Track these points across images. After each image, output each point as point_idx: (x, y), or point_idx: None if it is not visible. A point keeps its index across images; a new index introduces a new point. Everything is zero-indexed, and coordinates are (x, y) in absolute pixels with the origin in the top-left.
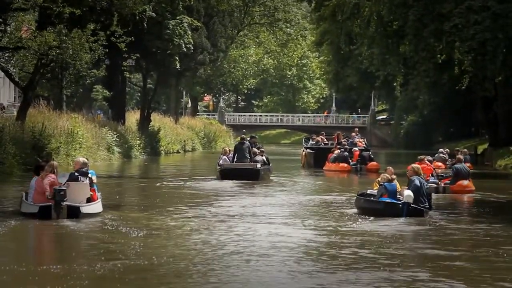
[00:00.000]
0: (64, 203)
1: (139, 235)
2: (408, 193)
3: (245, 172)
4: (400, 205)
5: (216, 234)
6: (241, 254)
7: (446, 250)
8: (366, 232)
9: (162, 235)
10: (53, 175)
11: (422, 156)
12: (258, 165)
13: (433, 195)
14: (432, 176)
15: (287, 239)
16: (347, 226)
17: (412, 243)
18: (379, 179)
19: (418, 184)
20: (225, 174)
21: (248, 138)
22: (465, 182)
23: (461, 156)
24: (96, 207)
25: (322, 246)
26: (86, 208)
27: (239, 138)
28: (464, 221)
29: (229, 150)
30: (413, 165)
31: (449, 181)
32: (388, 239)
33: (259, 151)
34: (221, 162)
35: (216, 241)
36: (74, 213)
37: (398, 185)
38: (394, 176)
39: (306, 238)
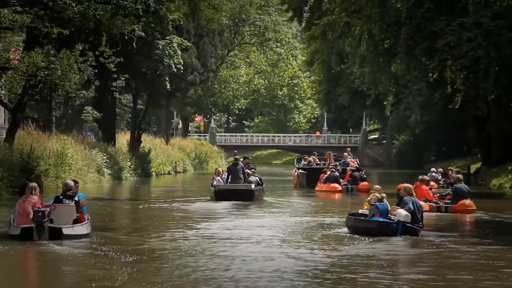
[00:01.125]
0: (47, 224)
1: (128, 260)
2: (405, 213)
3: (239, 193)
4: (395, 224)
5: (208, 259)
6: (234, 280)
7: (447, 273)
8: (366, 255)
9: (153, 260)
10: (34, 197)
11: (425, 178)
12: (252, 186)
13: (435, 215)
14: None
15: (281, 262)
16: (341, 248)
17: (412, 266)
18: (369, 198)
19: (412, 207)
20: (220, 194)
21: (242, 159)
22: (467, 202)
23: (460, 176)
24: (81, 229)
25: (319, 269)
26: (69, 230)
27: (232, 159)
28: (465, 242)
29: (223, 171)
30: (405, 185)
31: (449, 200)
32: (387, 261)
33: (251, 172)
34: (215, 183)
35: (208, 266)
36: (56, 234)
37: (388, 205)
38: (384, 195)
39: (302, 262)
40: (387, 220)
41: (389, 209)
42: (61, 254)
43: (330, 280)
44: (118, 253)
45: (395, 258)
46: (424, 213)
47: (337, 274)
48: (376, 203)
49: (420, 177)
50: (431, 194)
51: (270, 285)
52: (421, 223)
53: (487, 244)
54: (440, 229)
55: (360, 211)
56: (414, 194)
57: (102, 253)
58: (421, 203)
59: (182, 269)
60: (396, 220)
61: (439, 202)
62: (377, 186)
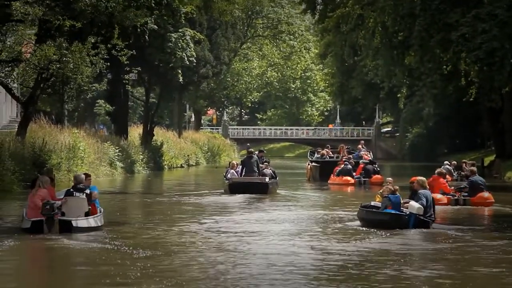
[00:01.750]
0: (57, 217)
1: (141, 255)
2: (417, 205)
3: (254, 186)
4: (406, 217)
5: (222, 253)
6: (247, 275)
7: (465, 269)
8: (380, 249)
9: (167, 255)
10: (44, 190)
11: (443, 171)
12: (267, 179)
13: (453, 208)
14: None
15: (296, 258)
16: (353, 242)
17: (428, 260)
18: (381, 191)
19: (425, 201)
20: (234, 187)
21: (256, 152)
22: (486, 194)
23: (474, 168)
24: (92, 221)
25: (332, 264)
26: (80, 222)
27: (245, 152)
28: (484, 236)
29: (236, 164)
30: (418, 178)
31: (466, 193)
32: (402, 256)
33: (264, 165)
34: (229, 176)
35: (222, 261)
36: (67, 227)
37: (401, 197)
38: (397, 187)
39: (315, 256)
40: (399, 213)
41: (402, 201)
42: (72, 249)
43: (342, 275)
44: (131, 248)
45: (411, 252)
46: (442, 206)
47: (349, 269)
48: (389, 195)
49: (438, 170)
50: (449, 187)
51: (284, 279)
52: (433, 216)
53: (507, 238)
54: (458, 222)
55: (372, 203)
56: (428, 187)
57: (115, 248)
58: (439, 196)
59: (195, 264)
60: (408, 213)
61: (456, 194)
62: (390, 178)
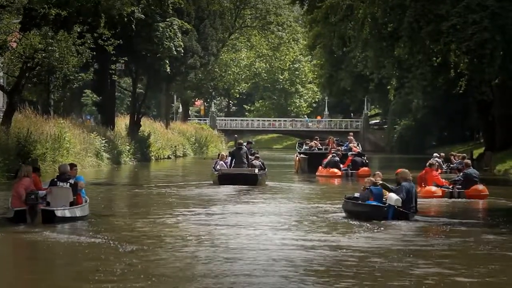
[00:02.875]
0: (40, 207)
1: (126, 249)
2: (396, 197)
3: (243, 177)
4: (386, 208)
5: (210, 248)
6: (236, 270)
7: (456, 265)
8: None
9: (153, 249)
10: (27, 179)
11: (435, 163)
12: (256, 170)
13: (448, 201)
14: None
15: (280, 251)
16: (336, 236)
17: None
18: (364, 183)
19: (405, 193)
20: (223, 178)
21: (245, 144)
22: (480, 187)
23: (468, 161)
24: (76, 211)
25: (317, 258)
26: (63, 212)
27: (232, 143)
28: (478, 230)
29: (226, 156)
30: (401, 169)
31: (460, 186)
32: (395, 251)
33: (253, 157)
34: (218, 167)
35: (210, 256)
36: (49, 217)
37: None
38: (378, 179)
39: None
40: (379, 204)
41: (386, 194)
42: (55, 242)
43: (330, 273)
44: (116, 242)
45: (395, 246)
46: (437, 199)
47: (335, 263)
48: (371, 187)
49: (429, 162)
50: (441, 180)
51: (271, 274)
52: (414, 208)
53: (500, 233)
54: (445, 214)
55: (355, 194)
56: (420, 179)
57: (99, 242)
58: (434, 188)
59: (183, 259)
60: (387, 204)
61: (450, 187)
62: (378, 172)
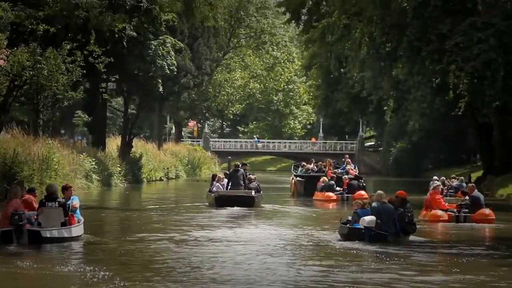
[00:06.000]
0: (25, 227)
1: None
2: (368, 219)
3: (240, 199)
4: (363, 231)
5: (206, 272)
6: None
7: None
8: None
9: (142, 274)
10: (16, 200)
11: (440, 185)
12: (253, 192)
13: (455, 225)
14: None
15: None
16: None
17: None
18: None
19: (373, 216)
20: (221, 200)
21: (240, 165)
22: (487, 211)
23: (473, 185)
24: (63, 231)
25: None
26: (50, 233)
27: (226, 165)
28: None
29: (222, 177)
30: (378, 191)
31: (467, 210)
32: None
33: (252, 178)
34: (214, 189)
35: (204, 280)
36: (35, 237)
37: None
38: (366, 201)
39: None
40: (356, 227)
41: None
42: (42, 269)
43: None
44: (104, 268)
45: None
46: (443, 223)
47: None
48: (358, 210)
49: (435, 185)
50: (444, 203)
51: None
52: (394, 230)
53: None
54: (458, 239)
55: (348, 218)
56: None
57: (87, 269)
58: (440, 212)
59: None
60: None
61: (454, 210)
62: (380, 191)
